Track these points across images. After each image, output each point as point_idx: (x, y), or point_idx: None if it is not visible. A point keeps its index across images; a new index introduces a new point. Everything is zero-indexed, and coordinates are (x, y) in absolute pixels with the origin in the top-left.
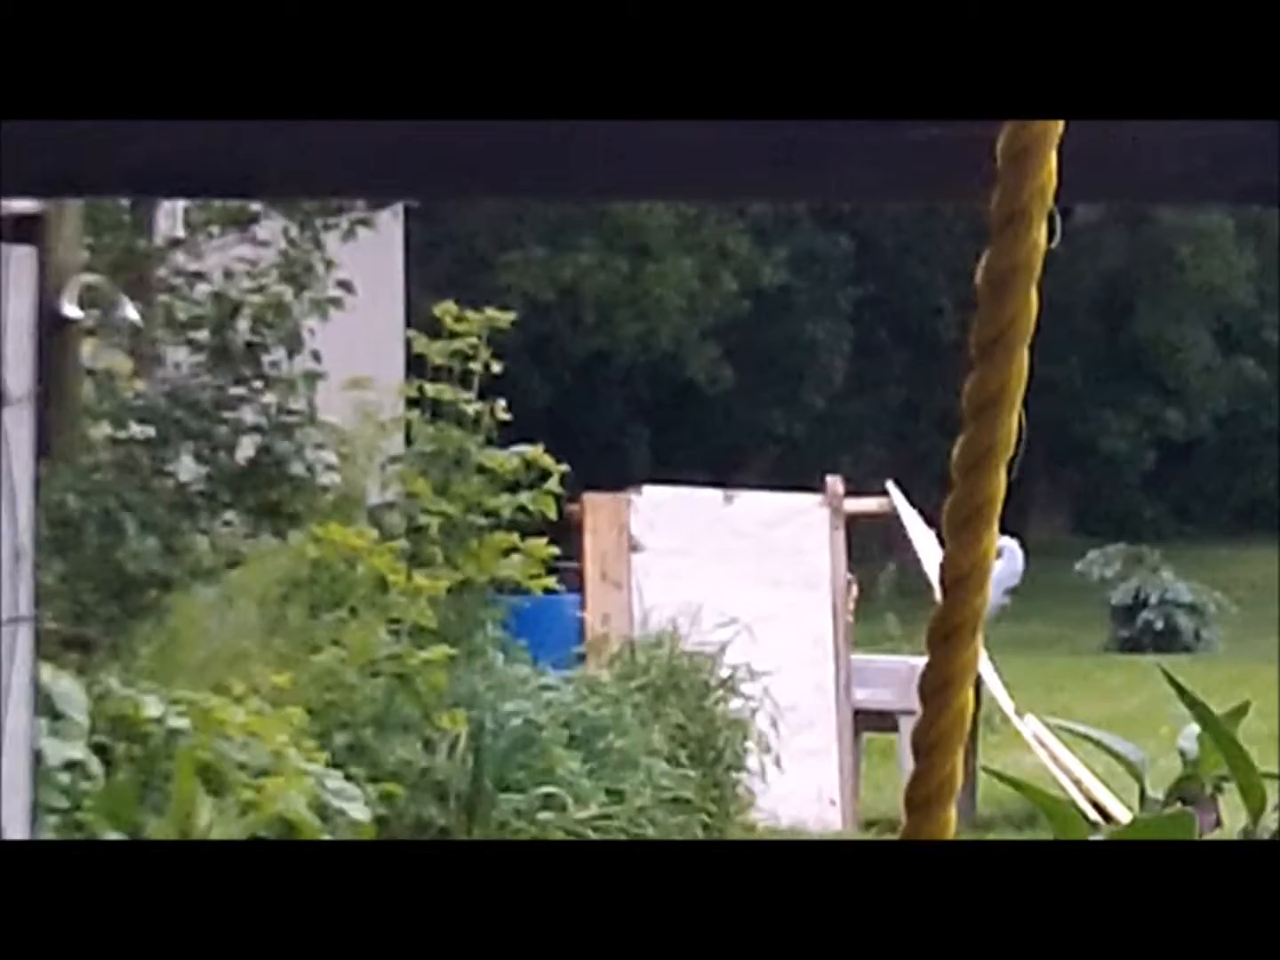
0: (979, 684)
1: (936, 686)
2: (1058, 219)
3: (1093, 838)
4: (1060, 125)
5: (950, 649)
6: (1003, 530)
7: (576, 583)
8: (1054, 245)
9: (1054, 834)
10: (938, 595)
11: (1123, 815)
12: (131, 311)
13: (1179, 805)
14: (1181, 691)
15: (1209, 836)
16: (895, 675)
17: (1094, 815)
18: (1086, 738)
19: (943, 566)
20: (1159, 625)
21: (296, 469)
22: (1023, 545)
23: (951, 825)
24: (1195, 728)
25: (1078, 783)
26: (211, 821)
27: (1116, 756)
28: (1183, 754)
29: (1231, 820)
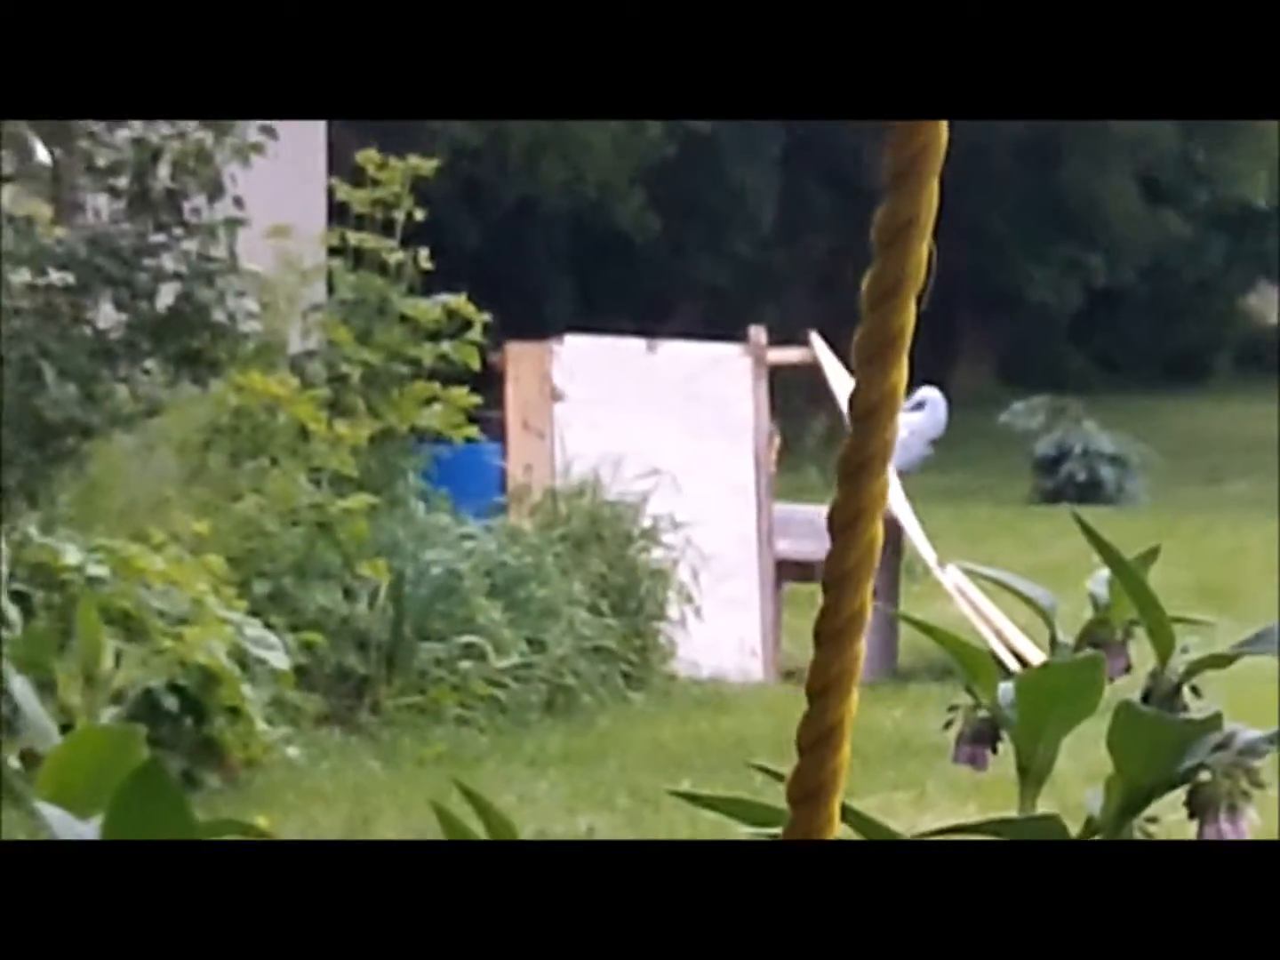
0: (900, 533)
1: (846, 520)
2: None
3: (1003, 684)
4: None
5: (860, 481)
6: (926, 380)
7: (498, 432)
8: None
9: (966, 681)
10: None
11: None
12: (45, 155)
13: (1089, 649)
14: (1092, 536)
15: (1119, 680)
16: (817, 526)
17: (1014, 664)
18: (997, 582)
19: (852, 399)
20: (1082, 476)
21: (218, 317)
22: (947, 395)
23: (860, 661)
24: (1106, 573)
25: (998, 632)
26: (115, 667)
27: (1027, 600)
28: (1093, 599)
29: (1142, 666)
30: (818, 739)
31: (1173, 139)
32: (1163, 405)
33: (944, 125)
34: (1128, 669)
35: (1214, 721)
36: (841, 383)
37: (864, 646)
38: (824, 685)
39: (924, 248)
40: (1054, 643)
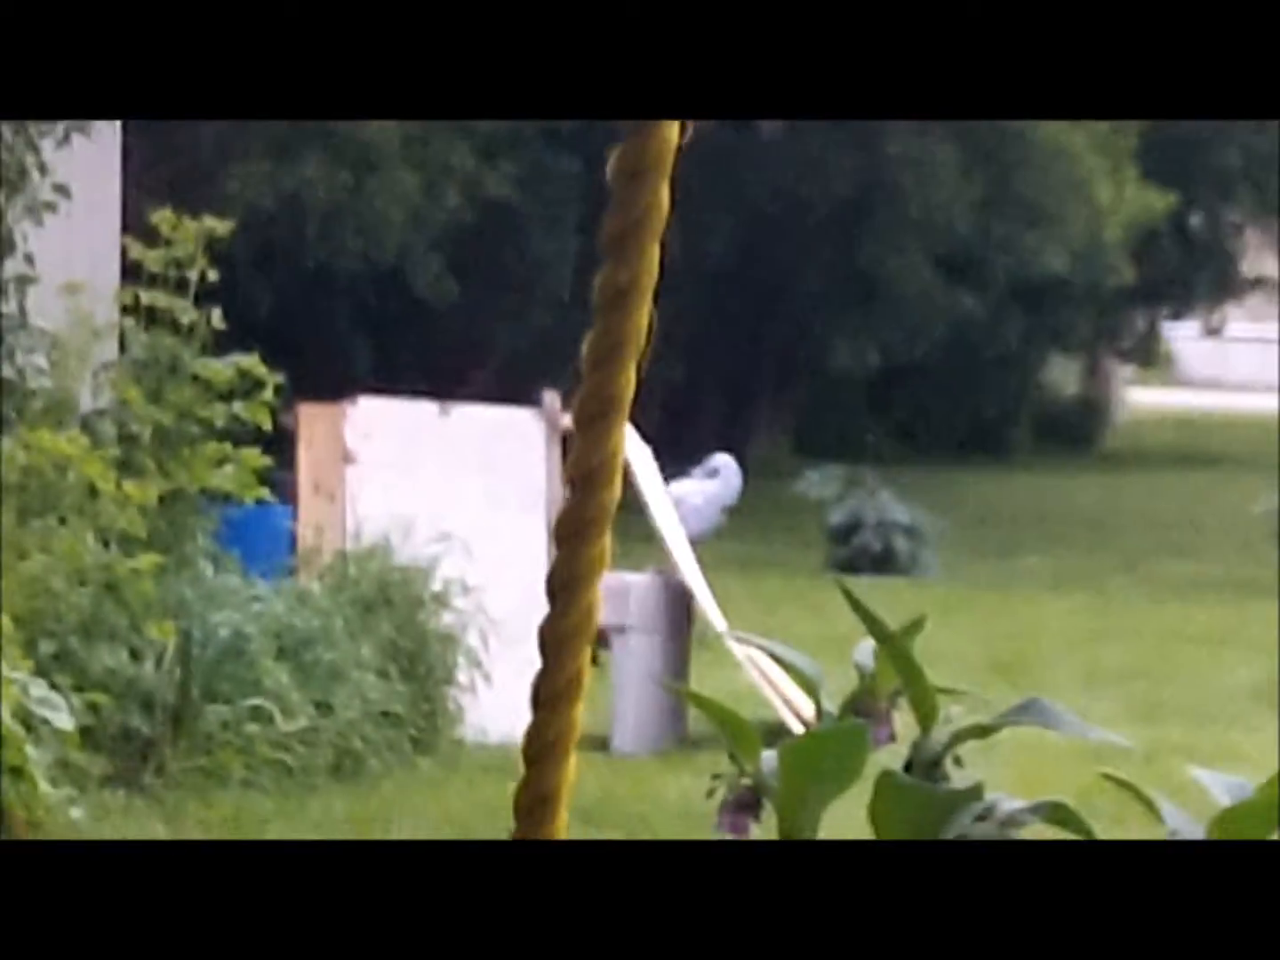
0: (691, 601)
1: (564, 583)
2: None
3: (766, 753)
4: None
5: (578, 545)
6: (721, 447)
7: (290, 494)
8: (686, 141)
9: (729, 749)
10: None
11: None
12: None
13: (853, 719)
14: (856, 605)
15: (883, 749)
16: (608, 592)
17: (799, 730)
18: (768, 651)
19: (571, 463)
20: (876, 547)
21: (7, 373)
22: (742, 463)
23: (578, 724)
24: (872, 643)
25: (787, 701)
26: None
27: (791, 670)
28: (859, 668)
29: (909, 737)
30: (532, 804)
31: (971, 214)
32: (960, 477)
33: (667, 157)
34: (892, 738)
35: (975, 792)
36: (635, 449)
37: (580, 713)
38: (539, 751)
39: (645, 312)
40: (820, 712)
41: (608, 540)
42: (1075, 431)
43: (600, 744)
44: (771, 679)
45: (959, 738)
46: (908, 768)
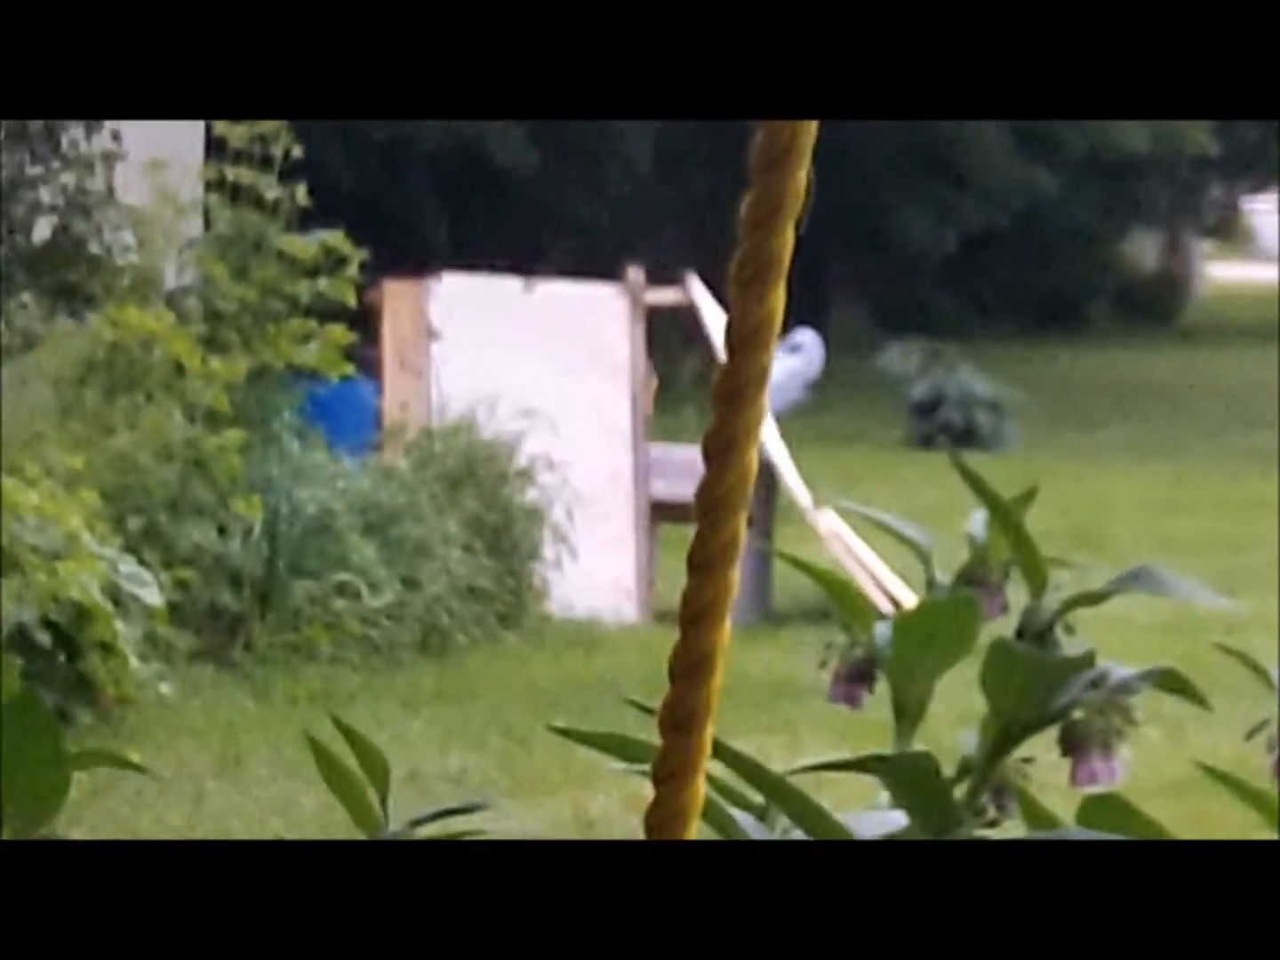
0: (775, 476)
1: (720, 446)
2: None
3: (879, 623)
4: None
5: (735, 407)
6: (802, 322)
7: (374, 370)
8: None
9: (842, 620)
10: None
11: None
12: None
13: (965, 589)
14: (969, 477)
15: (995, 620)
16: (692, 467)
17: (889, 609)
18: (875, 522)
19: (728, 324)
20: (957, 421)
21: (94, 250)
22: (822, 338)
23: (733, 590)
24: (983, 514)
25: (873, 577)
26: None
27: (904, 541)
28: (971, 539)
29: (1017, 609)
30: (689, 668)
31: None
32: (1038, 351)
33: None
34: (1004, 609)
35: (1086, 659)
36: (718, 324)
37: (737, 577)
38: (696, 613)
39: (803, 172)
40: (930, 583)
41: (764, 401)
42: (1154, 305)
43: None
44: (857, 555)
45: (1069, 605)
46: (1018, 636)
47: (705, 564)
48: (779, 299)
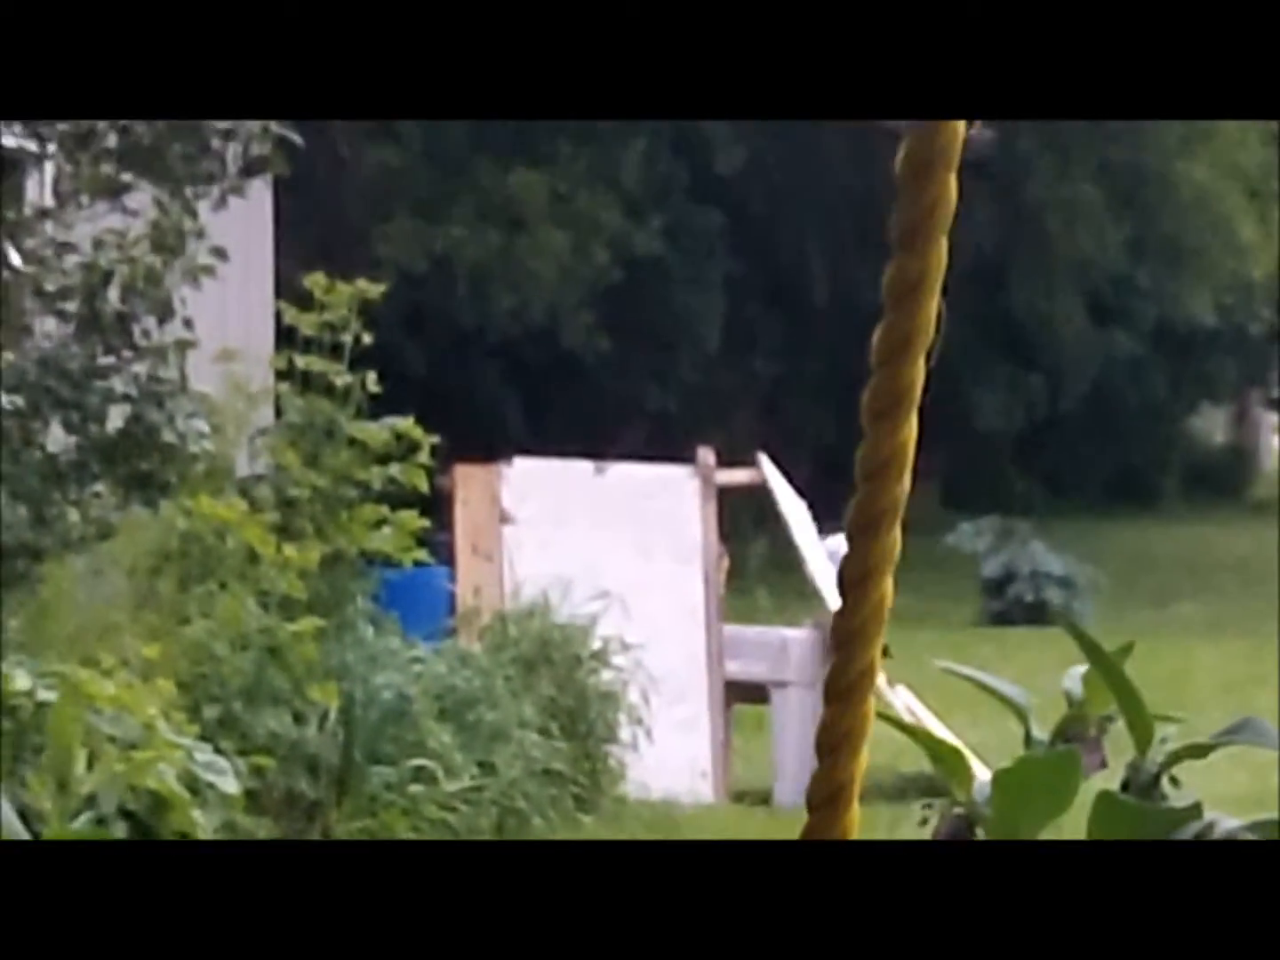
0: None
1: (857, 577)
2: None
3: (979, 781)
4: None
5: (871, 539)
6: None
7: (448, 555)
8: (974, 131)
9: (942, 777)
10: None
11: None
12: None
13: (1064, 745)
14: (1072, 629)
15: (1095, 776)
16: (766, 647)
17: None
18: (975, 681)
19: (863, 455)
20: (1030, 598)
21: (168, 438)
22: None
23: (871, 717)
24: (1080, 669)
25: None
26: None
27: (1001, 698)
28: (1068, 695)
29: (1116, 764)
30: (826, 796)
31: (1117, 257)
32: (1109, 527)
33: (954, 149)
34: (1104, 764)
35: (1194, 810)
36: (790, 504)
37: (872, 706)
38: (832, 743)
39: (934, 304)
40: (1029, 738)
41: (898, 533)
42: (1224, 479)
43: (763, 797)
44: (930, 729)
45: (1176, 757)
46: (1124, 788)
47: (842, 693)
48: (911, 430)
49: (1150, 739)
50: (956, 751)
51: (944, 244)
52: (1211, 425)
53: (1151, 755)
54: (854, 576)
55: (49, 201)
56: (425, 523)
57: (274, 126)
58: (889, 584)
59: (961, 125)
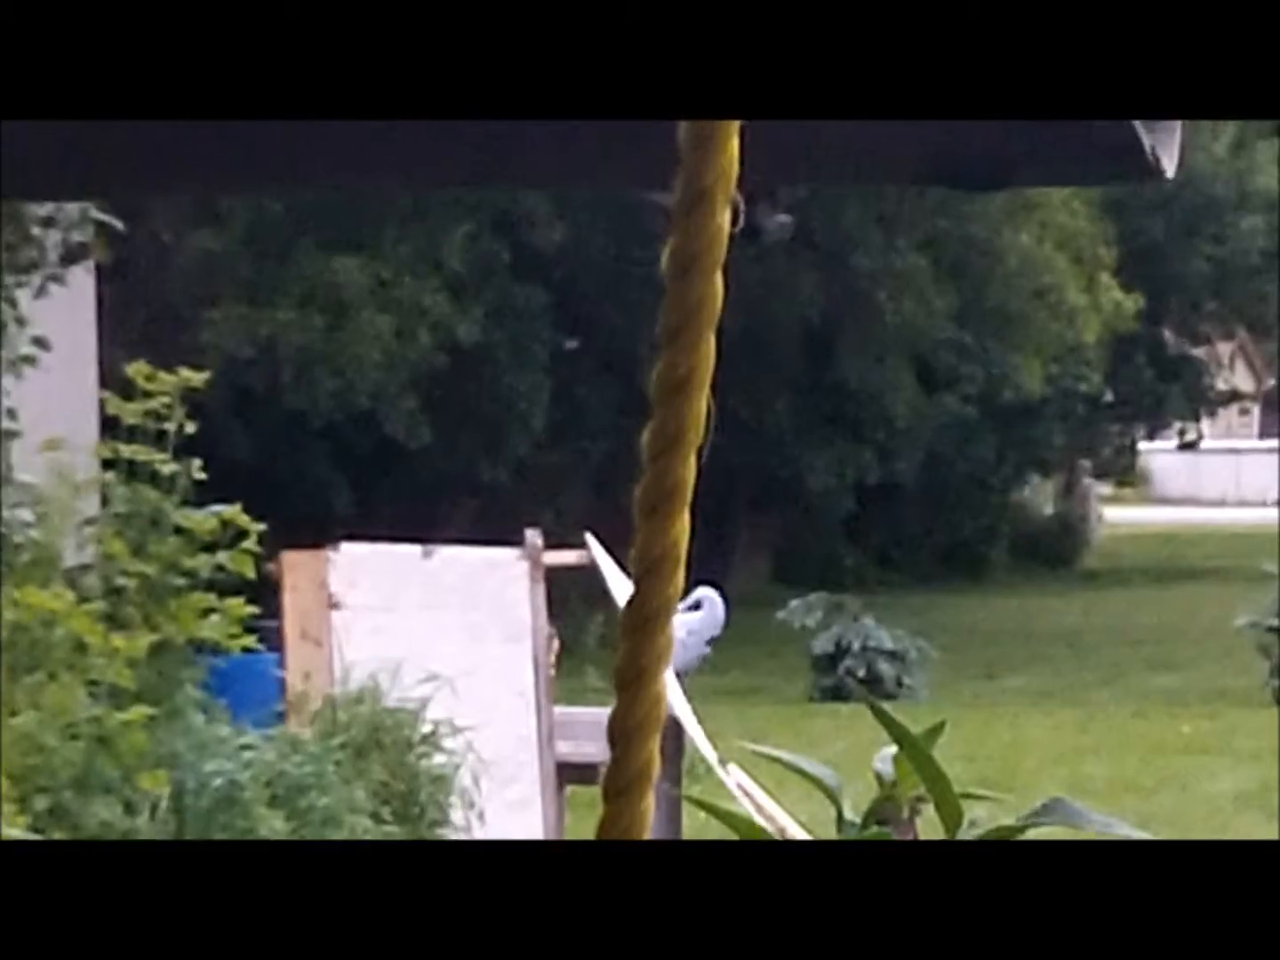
0: (681, 733)
1: (631, 676)
2: (740, 204)
3: None
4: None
5: (643, 637)
6: (703, 580)
7: (276, 641)
8: (736, 230)
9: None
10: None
11: None
12: None
13: (876, 827)
14: (879, 712)
15: None
16: (597, 727)
17: None
18: (785, 763)
19: (634, 553)
20: (861, 672)
21: None
22: (723, 595)
23: (650, 815)
24: (891, 750)
25: (782, 830)
26: None
27: (812, 779)
28: (879, 776)
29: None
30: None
31: (946, 325)
32: (940, 599)
33: (720, 247)
34: None
35: None
36: (619, 584)
37: (650, 804)
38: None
39: (704, 400)
40: (841, 820)
41: (671, 631)
42: (1054, 550)
43: None
44: (765, 809)
45: (985, 840)
46: None
47: (619, 792)
48: (683, 527)
49: (959, 820)
50: (764, 834)
51: (711, 340)
52: (1041, 496)
53: (960, 837)
54: (628, 675)
55: None
56: (253, 609)
57: (94, 212)
58: (663, 682)
59: (726, 221)
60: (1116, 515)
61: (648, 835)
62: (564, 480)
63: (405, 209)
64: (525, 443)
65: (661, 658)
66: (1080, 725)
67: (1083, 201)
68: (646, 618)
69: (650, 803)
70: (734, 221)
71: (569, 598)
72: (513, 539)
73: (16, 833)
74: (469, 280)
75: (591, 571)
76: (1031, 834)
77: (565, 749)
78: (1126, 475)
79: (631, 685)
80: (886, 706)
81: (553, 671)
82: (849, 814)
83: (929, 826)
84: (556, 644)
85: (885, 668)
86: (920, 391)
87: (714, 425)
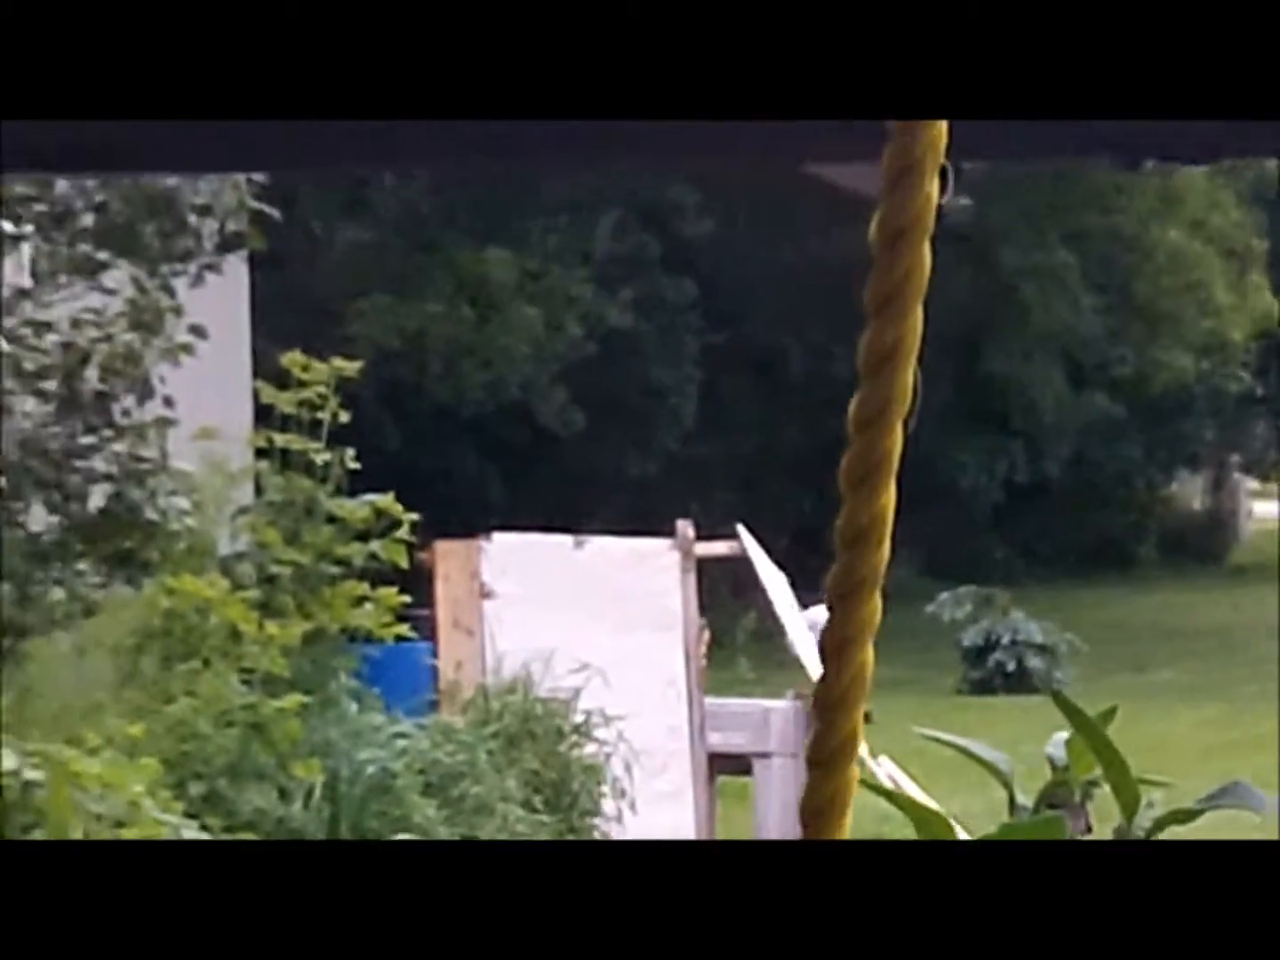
0: None
1: (838, 644)
2: (950, 174)
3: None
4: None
5: (851, 606)
6: None
7: (429, 630)
8: (945, 200)
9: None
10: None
11: None
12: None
13: (1048, 810)
14: (1056, 697)
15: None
16: (748, 719)
17: None
18: (957, 747)
19: (842, 524)
20: (1010, 666)
21: (149, 516)
22: None
23: (854, 783)
24: (1063, 735)
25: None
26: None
27: (985, 764)
28: (1051, 761)
29: (1102, 827)
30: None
31: (1093, 321)
32: (1088, 594)
33: (927, 217)
34: (1088, 829)
35: None
36: (769, 575)
37: (855, 772)
38: (818, 809)
39: (910, 371)
40: (1013, 804)
41: (878, 600)
42: (1202, 545)
43: None
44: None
45: (1162, 822)
46: None
47: (825, 762)
48: (890, 498)
49: (1136, 804)
50: (941, 818)
51: (919, 311)
52: (1190, 491)
53: (1138, 820)
54: (835, 644)
55: (27, 282)
56: (406, 598)
57: (250, 201)
58: (870, 651)
59: (934, 191)
60: (1265, 510)
61: (850, 807)
62: (711, 474)
63: (552, 200)
64: (674, 436)
65: (867, 627)
66: (1228, 720)
67: (1231, 194)
68: (853, 587)
69: (854, 773)
70: (942, 191)
71: (719, 590)
72: (663, 531)
73: (172, 818)
74: (617, 271)
75: (741, 563)
76: (1205, 819)
77: (715, 739)
78: (1275, 470)
79: (837, 655)
80: (1036, 700)
81: (704, 662)
82: (1021, 798)
83: (1099, 810)
84: (707, 635)
85: (1035, 661)
86: (1068, 387)
87: (920, 381)
